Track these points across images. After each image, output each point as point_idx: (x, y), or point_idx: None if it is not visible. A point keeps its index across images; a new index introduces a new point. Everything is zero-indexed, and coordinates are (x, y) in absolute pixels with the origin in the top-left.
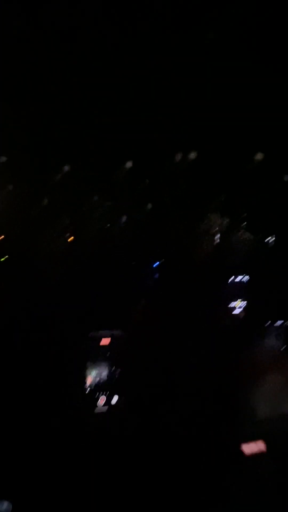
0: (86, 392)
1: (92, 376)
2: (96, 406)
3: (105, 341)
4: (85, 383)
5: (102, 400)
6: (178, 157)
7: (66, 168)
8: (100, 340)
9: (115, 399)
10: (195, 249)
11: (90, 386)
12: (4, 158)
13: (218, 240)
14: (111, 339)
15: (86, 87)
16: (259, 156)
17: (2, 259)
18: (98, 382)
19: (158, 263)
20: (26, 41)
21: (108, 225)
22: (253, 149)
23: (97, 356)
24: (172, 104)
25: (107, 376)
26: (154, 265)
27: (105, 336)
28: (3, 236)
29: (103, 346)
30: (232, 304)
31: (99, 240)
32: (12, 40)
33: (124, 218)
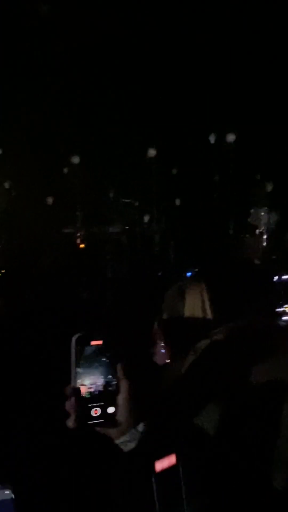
0: (79, 404)
1: (86, 386)
2: (91, 417)
3: (97, 342)
4: (78, 393)
5: (96, 411)
6: (212, 139)
7: (75, 159)
8: (90, 342)
9: (111, 409)
10: (236, 252)
11: (83, 396)
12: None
13: (265, 241)
14: (103, 341)
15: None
16: None
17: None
18: (93, 391)
19: (190, 273)
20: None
21: (127, 227)
22: None
23: (88, 361)
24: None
25: (102, 384)
26: (187, 275)
27: (97, 338)
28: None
29: (96, 350)
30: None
31: (114, 243)
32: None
33: (147, 217)
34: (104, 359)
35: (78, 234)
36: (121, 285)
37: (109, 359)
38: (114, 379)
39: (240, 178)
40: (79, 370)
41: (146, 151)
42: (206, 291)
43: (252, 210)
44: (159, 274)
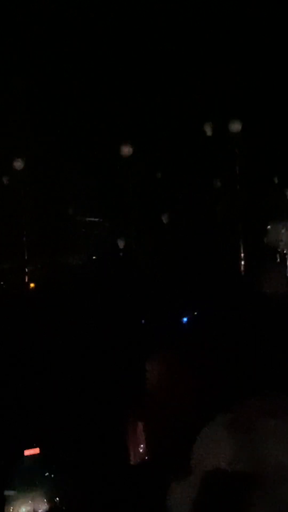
0: None
1: None
2: None
3: (33, 452)
4: None
5: None
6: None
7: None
8: (22, 451)
9: None
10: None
11: None
12: None
13: None
14: (41, 449)
15: None
16: None
17: None
18: None
19: (186, 319)
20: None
21: (94, 257)
22: None
23: (22, 480)
24: None
25: None
26: (183, 321)
27: (31, 444)
28: None
29: (33, 462)
30: None
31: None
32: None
33: (122, 242)
34: (46, 474)
35: (26, 270)
36: (82, 345)
37: (54, 474)
38: (63, 504)
39: (251, 182)
40: (8, 493)
41: (118, 147)
42: (209, 362)
43: (269, 227)
44: (142, 321)
